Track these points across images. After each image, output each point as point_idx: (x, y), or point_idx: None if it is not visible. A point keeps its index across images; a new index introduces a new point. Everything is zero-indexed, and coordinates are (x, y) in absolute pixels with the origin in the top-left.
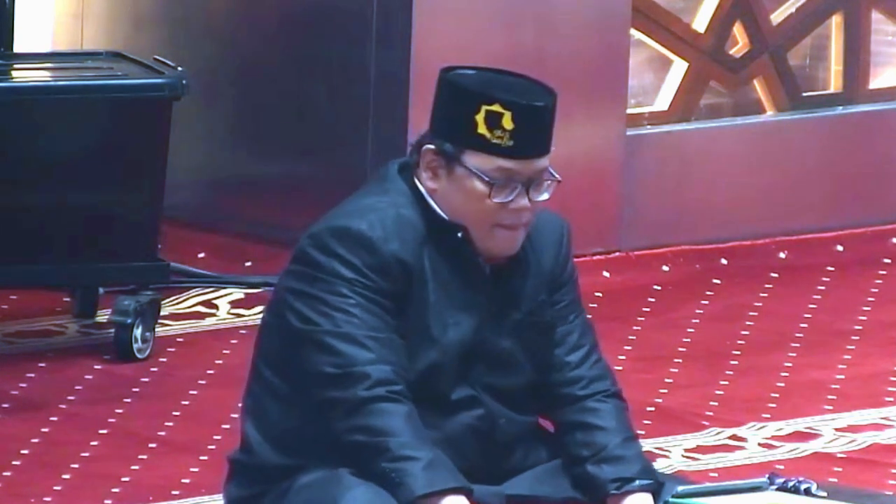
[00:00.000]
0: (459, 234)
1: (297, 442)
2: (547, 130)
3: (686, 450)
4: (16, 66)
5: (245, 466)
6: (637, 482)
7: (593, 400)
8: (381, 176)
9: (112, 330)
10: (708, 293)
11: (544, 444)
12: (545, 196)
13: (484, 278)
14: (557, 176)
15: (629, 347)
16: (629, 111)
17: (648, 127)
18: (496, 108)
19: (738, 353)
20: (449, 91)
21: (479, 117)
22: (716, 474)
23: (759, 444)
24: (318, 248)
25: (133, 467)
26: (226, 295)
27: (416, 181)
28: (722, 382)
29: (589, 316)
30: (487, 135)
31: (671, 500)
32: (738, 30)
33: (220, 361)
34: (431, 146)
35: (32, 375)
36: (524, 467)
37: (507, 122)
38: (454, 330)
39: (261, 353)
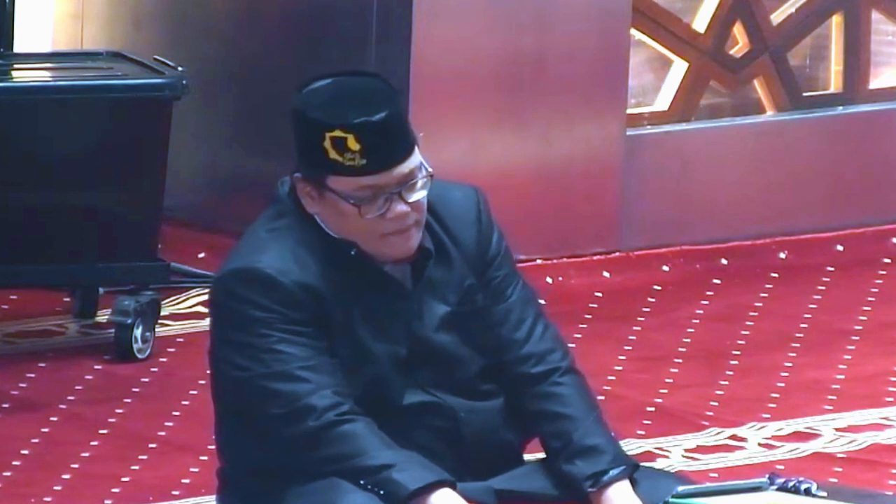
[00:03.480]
0: (353, 252)
1: (272, 471)
2: (398, 137)
3: (686, 450)
4: (16, 66)
5: (230, 478)
6: (611, 473)
7: (550, 383)
8: (274, 199)
9: (112, 330)
10: (708, 293)
11: (515, 427)
12: (421, 194)
13: (395, 284)
14: (430, 169)
15: (629, 347)
16: (629, 111)
17: (648, 127)
18: (338, 133)
19: (738, 353)
20: (296, 121)
21: (327, 144)
22: (716, 474)
23: (759, 444)
24: (227, 295)
25: (133, 467)
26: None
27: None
28: (722, 382)
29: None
30: (340, 159)
31: (671, 500)
32: (738, 30)
33: None
34: (299, 174)
35: (32, 375)
36: (498, 453)
37: (353, 144)
38: (383, 340)
39: (215, 397)
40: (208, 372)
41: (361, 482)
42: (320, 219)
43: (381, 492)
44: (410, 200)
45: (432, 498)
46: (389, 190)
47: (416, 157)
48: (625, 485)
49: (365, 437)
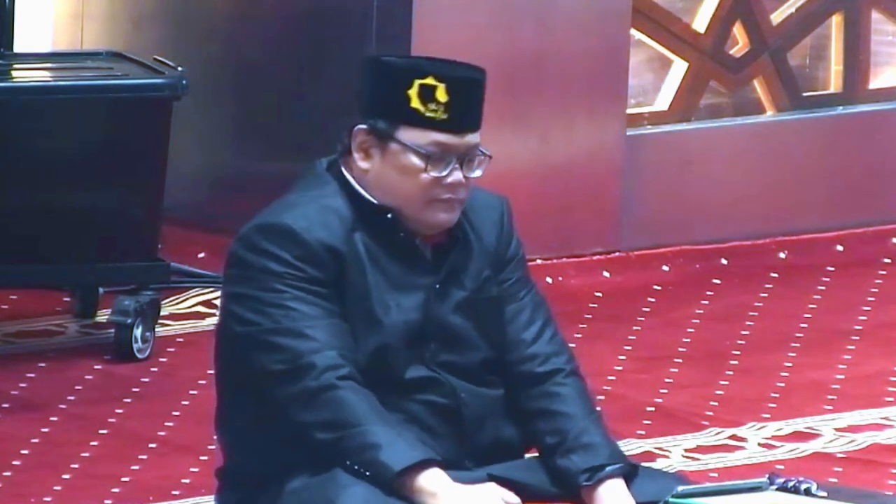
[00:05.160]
0: (389, 216)
1: (269, 448)
2: (480, 104)
3: (686, 450)
4: (16, 66)
5: (230, 476)
6: (607, 468)
7: (552, 383)
8: (308, 173)
9: (112, 330)
10: (708, 293)
11: (514, 422)
12: (478, 173)
13: (423, 258)
14: (488, 153)
15: (629, 347)
16: (629, 111)
17: (648, 127)
18: (430, 80)
19: (738, 353)
20: (380, 69)
21: (413, 91)
22: (716, 474)
23: (759, 444)
24: (247, 248)
25: (133, 467)
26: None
27: (344, 171)
28: (722, 382)
29: (539, 293)
30: (421, 108)
31: (671, 500)
32: (738, 30)
33: None
34: (363, 126)
35: (32, 375)
36: (498, 444)
37: (442, 95)
38: (397, 311)
39: (218, 364)
40: (215, 330)
41: (348, 462)
42: (368, 178)
43: (364, 471)
44: (469, 175)
45: (420, 478)
46: (455, 153)
47: (479, 137)
48: (619, 482)
49: (359, 407)
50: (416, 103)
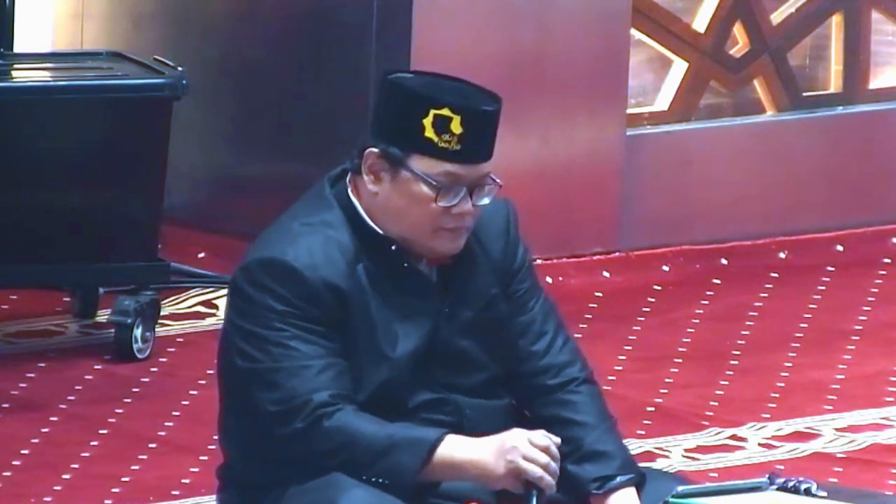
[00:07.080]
0: (393, 248)
1: (271, 459)
2: (493, 136)
3: (686, 450)
4: (16, 66)
5: (231, 475)
6: (618, 479)
7: (566, 391)
8: (313, 193)
9: (112, 330)
10: (708, 293)
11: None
12: (486, 200)
13: (429, 284)
14: (499, 181)
15: (629, 347)
16: (629, 111)
17: (648, 127)
18: (445, 112)
19: (738, 353)
20: (396, 94)
21: (427, 121)
22: (716, 474)
23: (759, 444)
24: (250, 283)
25: (133, 467)
26: (226, 295)
27: (350, 194)
28: (722, 382)
29: (550, 297)
30: (435, 139)
31: (671, 500)
32: (738, 30)
33: None
34: (375, 150)
35: (32, 375)
36: None
37: (456, 127)
38: (404, 342)
39: (221, 379)
40: (218, 349)
41: (364, 477)
42: (375, 203)
43: (383, 481)
44: (478, 203)
45: (444, 455)
46: (465, 183)
47: (491, 164)
48: (630, 492)
49: (350, 425)
50: (429, 133)
